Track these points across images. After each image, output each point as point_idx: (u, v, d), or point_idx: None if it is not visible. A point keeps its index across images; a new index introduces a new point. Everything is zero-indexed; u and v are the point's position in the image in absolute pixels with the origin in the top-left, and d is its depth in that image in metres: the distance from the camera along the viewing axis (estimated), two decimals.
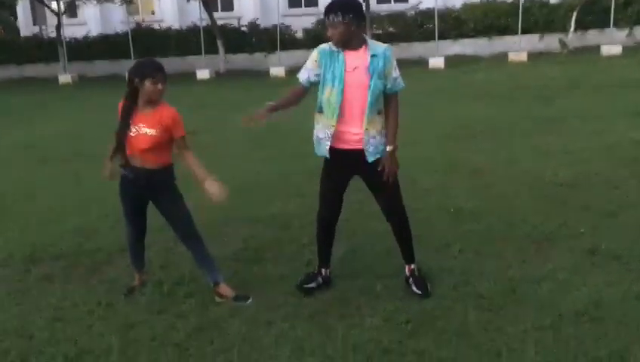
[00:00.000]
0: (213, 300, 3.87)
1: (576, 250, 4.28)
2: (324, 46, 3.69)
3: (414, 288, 3.84)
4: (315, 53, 3.69)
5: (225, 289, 3.87)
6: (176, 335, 3.47)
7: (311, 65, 3.70)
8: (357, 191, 5.43)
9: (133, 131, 3.65)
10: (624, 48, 19.07)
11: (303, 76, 3.74)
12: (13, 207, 6.45)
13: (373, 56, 3.57)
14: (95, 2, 24.27)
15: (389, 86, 3.64)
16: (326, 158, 3.79)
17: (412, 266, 3.95)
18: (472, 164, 6.92)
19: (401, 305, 3.64)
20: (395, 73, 3.65)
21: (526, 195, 5.68)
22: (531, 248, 4.39)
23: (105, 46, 25.14)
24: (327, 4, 3.63)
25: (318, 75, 3.67)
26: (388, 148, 3.65)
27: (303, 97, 3.81)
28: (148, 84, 3.56)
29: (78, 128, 12.15)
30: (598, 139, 7.76)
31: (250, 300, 3.82)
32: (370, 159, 3.67)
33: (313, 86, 3.72)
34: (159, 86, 3.60)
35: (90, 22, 28.89)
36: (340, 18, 3.49)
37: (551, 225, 4.82)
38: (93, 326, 3.63)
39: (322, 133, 3.71)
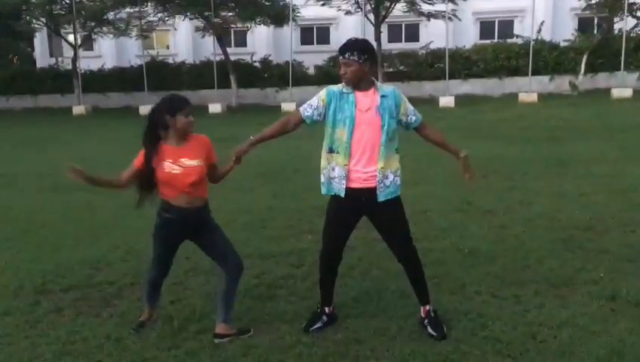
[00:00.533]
0: None
1: (595, 296, 4.19)
2: (333, 87, 3.73)
3: (430, 330, 3.75)
4: (323, 93, 3.72)
5: (224, 328, 3.79)
6: None
7: (317, 103, 3.71)
8: (371, 230, 5.41)
9: (175, 169, 3.60)
10: (635, 91, 19.15)
11: (306, 112, 3.74)
12: (25, 234, 6.43)
13: (382, 96, 3.64)
14: (112, 36, 24.68)
15: (413, 119, 3.75)
16: (337, 198, 3.76)
17: (427, 307, 3.87)
18: (485, 204, 6.87)
19: (417, 348, 3.56)
20: (411, 107, 3.75)
21: (541, 238, 5.60)
22: (550, 292, 4.31)
23: (119, 78, 25.55)
24: (343, 43, 3.70)
25: (321, 115, 3.70)
26: (462, 155, 3.82)
27: (295, 129, 3.84)
28: (181, 117, 3.58)
29: (91, 158, 12.19)
30: (612, 183, 7.71)
31: (251, 332, 3.81)
32: (382, 198, 3.65)
33: (313, 125, 3.74)
34: (191, 117, 3.63)
35: (105, 55, 29.45)
36: (356, 57, 3.56)
37: (569, 269, 4.74)
38: (102, 361, 3.56)
39: (336, 172, 3.69)
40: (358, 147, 3.62)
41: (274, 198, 7.75)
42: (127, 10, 23.12)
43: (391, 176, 3.66)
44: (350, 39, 3.72)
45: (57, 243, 6.07)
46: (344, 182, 3.67)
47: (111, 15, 23.42)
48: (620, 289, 4.24)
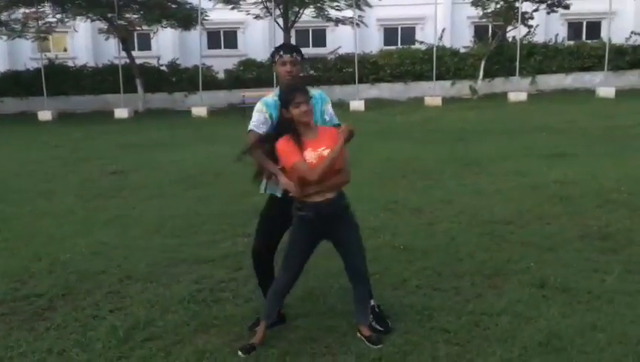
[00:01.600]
0: (175, 343, 3.70)
1: (526, 284, 4.47)
2: (267, 99, 3.84)
3: (375, 324, 3.85)
4: (262, 107, 3.80)
5: (365, 329, 3.69)
6: None
7: (264, 118, 3.78)
8: None
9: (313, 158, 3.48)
10: (529, 95, 20.47)
11: (260, 130, 3.77)
12: None
13: (311, 97, 3.73)
14: (5, 38, 23.19)
15: (327, 119, 3.87)
16: (274, 197, 3.84)
17: (372, 303, 3.97)
18: (411, 203, 7.10)
19: (368, 345, 3.63)
20: (331, 110, 3.93)
21: (467, 232, 5.88)
22: (485, 283, 4.54)
23: (14, 82, 24.03)
24: (284, 44, 3.98)
25: (272, 126, 3.77)
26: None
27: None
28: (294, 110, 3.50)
29: None
30: (523, 179, 8.21)
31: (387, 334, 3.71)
32: None
33: None
34: (303, 107, 3.51)
35: None
36: (299, 58, 3.79)
37: (498, 260, 5.01)
38: None
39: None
40: None
41: (199, 203, 7.61)
42: (23, 10, 21.78)
43: None
44: (285, 42, 3.94)
45: None
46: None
47: (4, 16, 21.96)
48: (547, 277, 4.54)
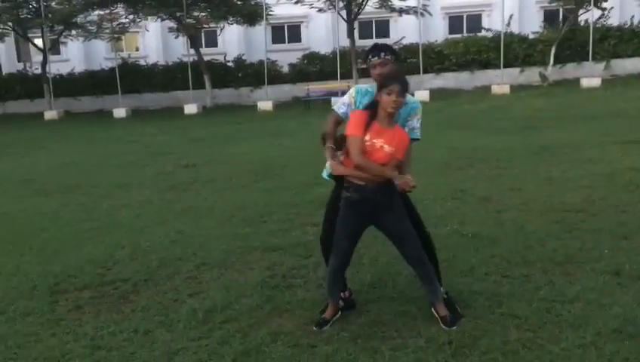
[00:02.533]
0: (251, 325, 3.88)
1: (600, 272, 4.39)
2: (360, 85, 3.98)
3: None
4: (352, 91, 3.97)
5: (440, 307, 3.79)
6: (221, 360, 3.47)
7: (348, 100, 3.93)
8: None
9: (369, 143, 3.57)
10: (602, 80, 19.71)
11: (340, 110, 3.94)
12: (26, 238, 6.38)
13: (405, 97, 3.75)
14: (82, 39, 24.35)
15: (406, 129, 3.82)
16: (337, 185, 3.92)
17: (441, 290, 4.02)
18: (478, 192, 7.06)
19: (440, 327, 3.69)
20: (417, 123, 3.87)
21: (537, 221, 5.81)
22: (556, 270, 4.49)
23: (90, 82, 25.23)
24: (374, 45, 3.93)
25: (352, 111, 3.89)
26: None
27: (339, 125, 3.95)
28: (383, 95, 3.57)
29: (71, 162, 12.11)
30: (595, 167, 7.99)
31: (460, 319, 3.75)
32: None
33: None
34: (394, 97, 3.53)
35: (73, 58, 29.05)
36: (389, 56, 3.78)
37: (570, 248, 4.94)
38: (135, 353, 3.61)
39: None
40: None
41: (268, 194, 7.82)
42: (98, 12, 22.82)
43: None
44: (376, 44, 3.95)
45: (60, 245, 6.05)
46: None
47: (80, 18, 23.06)
48: (622, 265, 4.45)
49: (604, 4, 21.28)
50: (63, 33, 24.28)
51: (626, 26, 22.41)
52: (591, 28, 20.64)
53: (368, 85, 3.92)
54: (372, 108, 3.62)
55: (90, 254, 5.64)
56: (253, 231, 6.14)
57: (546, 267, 4.57)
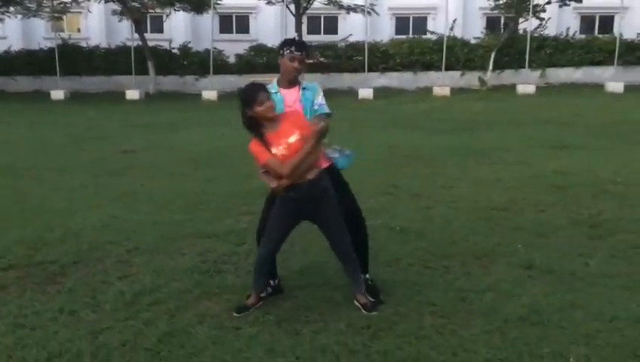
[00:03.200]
0: (178, 308, 3.96)
1: (513, 265, 4.68)
2: (268, 87, 4.03)
3: (368, 296, 4.08)
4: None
5: (361, 297, 3.94)
6: (146, 340, 3.53)
7: None
8: None
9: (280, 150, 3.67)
10: (537, 88, 20.55)
11: None
12: None
13: (304, 88, 4.03)
14: (20, 17, 23.48)
15: (316, 108, 4.02)
16: None
17: (366, 276, 4.21)
18: (411, 188, 7.32)
19: (361, 313, 3.87)
20: (322, 101, 4.04)
21: (463, 217, 6.09)
22: (474, 263, 4.76)
23: (28, 61, 24.37)
24: (295, 40, 4.14)
25: None
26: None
27: None
28: (257, 107, 3.67)
29: (3, 141, 11.75)
30: (523, 169, 8.40)
31: (381, 305, 3.94)
32: None
33: None
34: (268, 103, 3.70)
35: (11, 36, 27.92)
36: (305, 55, 3.99)
37: (489, 243, 5.23)
38: (59, 332, 3.63)
39: None
40: None
41: (207, 183, 7.86)
42: None
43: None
44: (295, 38, 4.17)
45: None
46: None
47: None
48: (534, 259, 4.75)
49: (543, 15, 22.15)
50: (1, 9, 23.34)
51: (562, 37, 23.40)
52: (529, 36, 21.46)
53: (270, 86, 3.99)
54: (254, 130, 3.73)
55: (18, 235, 5.56)
56: (188, 218, 6.18)
57: (465, 260, 4.83)
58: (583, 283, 4.32)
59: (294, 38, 4.21)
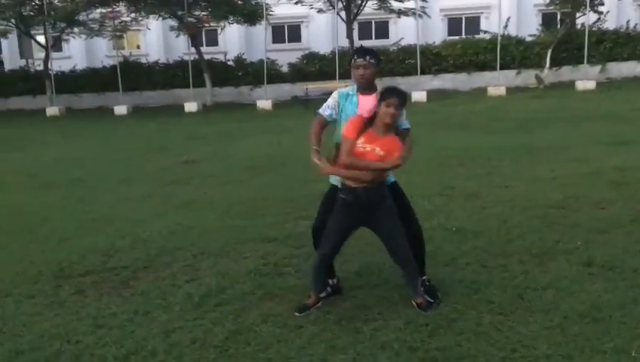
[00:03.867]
0: (243, 308, 4.15)
1: (573, 263, 4.66)
2: (342, 89, 4.20)
3: (426, 296, 4.17)
4: (335, 94, 4.18)
5: (418, 299, 4.05)
6: (215, 338, 3.74)
7: (333, 103, 4.15)
8: None
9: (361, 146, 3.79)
10: (598, 84, 19.98)
11: (326, 112, 4.16)
12: (31, 228, 6.65)
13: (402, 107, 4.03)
14: (84, 37, 24.62)
15: (399, 124, 4.01)
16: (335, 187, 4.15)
17: (423, 278, 4.29)
18: (466, 189, 7.33)
19: (419, 311, 3.96)
20: (404, 115, 4.04)
21: (520, 216, 6.07)
22: (532, 261, 4.76)
23: (91, 79, 25.50)
24: (359, 47, 4.22)
25: (336, 113, 4.14)
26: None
27: (324, 128, 4.20)
28: (382, 107, 3.77)
29: (73, 157, 12.38)
30: (581, 166, 8.26)
31: (438, 304, 4.03)
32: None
33: (333, 122, 4.16)
34: (392, 109, 3.74)
35: (75, 55, 29.31)
36: (374, 61, 4.00)
37: (547, 241, 5.21)
38: (135, 331, 3.88)
39: None
40: None
41: (266, 189, 8.09)
42: (100, 10, 23.10)
43: None
44: (364, 47, 4.23)
45: (63, 235, 6.32)
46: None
47: (82, 15, 23.34)
48: (594, 256, 4.72)
49: (601, 8, 21.54)
50: (65, 30, 24.54)
51: (622, 30, 22.68)
52: (587, 31, 20.91)
53: (349, 88, 4.15)
54: (372, 116, 3.84)
55: (92, 243, 5.91)
56: (249, 223, 6.40)
57: (522, 258, 4.84)
58: None
59: (361, 46, 4.26)
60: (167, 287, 4.66)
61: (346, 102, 4.09)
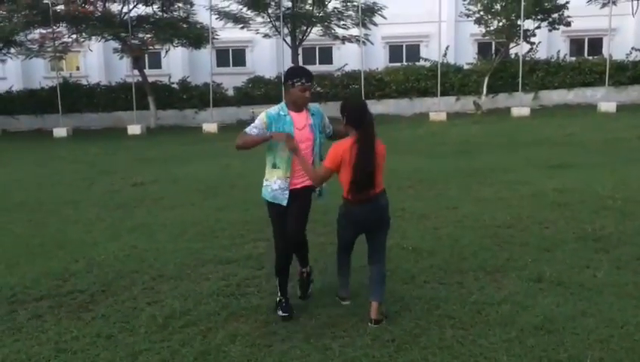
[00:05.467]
0: (209, 329, 4.16)
1: (524, 279, 4.91)
2: (271, 110, 4.38)
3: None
4: (263, 116, 4.36)
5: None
6: (183, 359, 3.74)
7: (260, 125, 4.32)
8: (319, 235, 5.99)
9: None
10: (531, 110, 20.96)
11: (252, 131, 4.31)
12: None
13: (312, 114, 4.38)
14: (23, 58, 23.89)
15: (329, 130, 4.55)
16: (278, 205, 4.38)
17: (304, 269, 4.67)
18: (417, 210, 7.55)
19: (384, 327, 4.08)
20: (328, 122, 4.55)
21: (471, 235, 6.32)
22: (486, 278, 4.99)
23: (29, 100, 24.69)
24: (302, 70, 4.39)
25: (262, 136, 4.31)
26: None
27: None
28: None
29: (13, 180, 11.96)
30: (524, 188, 8.65)
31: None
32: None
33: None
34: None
35: (11, 77, 28.34)
36: (309, 84, 4.28)
37: (499, 259, 5.46)
38: (99, 355, 3.83)
39: (277, 185, 4.34)
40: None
41: (219, 211, 8.07)
42: (40, 30, 22.50)
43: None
44: (303, 68, 4.46)
45: (13, 259, 6.12)
46: (286, 193, 4.33)
47: (21, 36, 22.66)
48: (544, 273, 4.98)
49: (533, 39, 22.68)
50: (2, 51, 23.76)
51: (553, 60, 23.90)
52: (520, 60, 21.94)
53: (277, 108, 4.33)
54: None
55: (44, 267, 5.76)
56: (206, 245, 6.38)
57: (477, 275, 5.05)
58: (592, 293, 4.54)
59: (303, 68, 4.43)
60: (129, 310, 4.61)
61: (279, 123, 4.26)
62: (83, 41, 23.49)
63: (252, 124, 4.31)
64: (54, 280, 5.36)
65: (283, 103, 4.38)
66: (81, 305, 4.77)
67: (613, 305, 4.31)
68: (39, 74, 28.59)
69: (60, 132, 21.84)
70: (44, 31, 22.32)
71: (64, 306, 4.75)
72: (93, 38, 22.78)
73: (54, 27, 22.04)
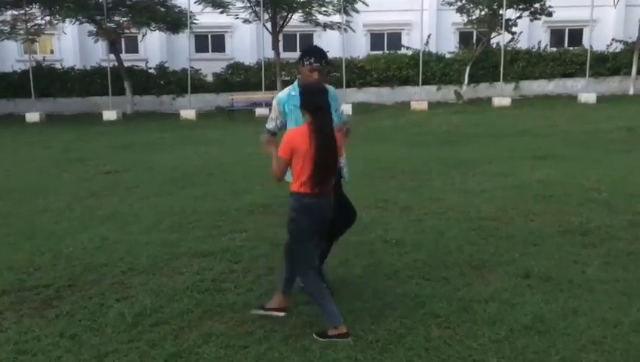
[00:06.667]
0: (182, 328, 3.91)
1: (511, 274, 4.73)
2: (280, 94, 4.22)
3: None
4: (275, 103, 4.23)
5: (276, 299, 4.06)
6: None
7: (275, 115, 4.22)
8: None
9: None
10: (512, 100, 20.91)
11: (270, 125, 4.24)
12: None
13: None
14: None
15: (339, 117, 4.27)
16: None
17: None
18: (400, 201, 7.35)
19: (367, 327, 3.86)
20: (341, 107, 4.36)
21: (456, 228, 6.14)
22: (472, 273, 4.79)
23: (1, 84, 24.03)
24: (313, 48, 4.16)
25: (282, 123, 4.25)
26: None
27: None
28: None
29: None
30: (507, 179, 8.50)
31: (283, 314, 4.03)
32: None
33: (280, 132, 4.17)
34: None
35: None
36: (318, 64, 4.02)
37: (484, 253, 5.27)
38: (62, 357, 3.55)
39: None
40: None
41: (195, 201, 7.79)
42: (12, 12, 21.81)
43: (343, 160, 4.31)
44: (315, 47, 4.20)
45: None
46: None
47: None
48: (531, 268, 4.80)
49: (515, 29, 22.60)
50: None
51: (534, 50, 23.88)
52: (502, 50, 21.86)
53: (289, 89, 4.16)
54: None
55: (8, 260, 5.44)
56: (180, 237, 6.11)
57: (463, 270, 4.86)
58: (582, 290, 4.37)
59: (316, 48, 4.17)
60: (96, 307, 4.33)
61: (290, 102, 4.10)
62: (57, 24, 22.88)
63: (269, 117, 4.22)
64: (18, 274, 5.05)
65: (296, 83, 4.22)
66: (45, 301, 4.48)
67: (604, 302, 4.15)
68: (11, 57, 27.85)
69: (32, 117, 21.28)
70: (15, 12, 21.62)
71: (27, 302, 4.45)
72: (67, 20, 22.20)
73: (27, 8, 21.38)
